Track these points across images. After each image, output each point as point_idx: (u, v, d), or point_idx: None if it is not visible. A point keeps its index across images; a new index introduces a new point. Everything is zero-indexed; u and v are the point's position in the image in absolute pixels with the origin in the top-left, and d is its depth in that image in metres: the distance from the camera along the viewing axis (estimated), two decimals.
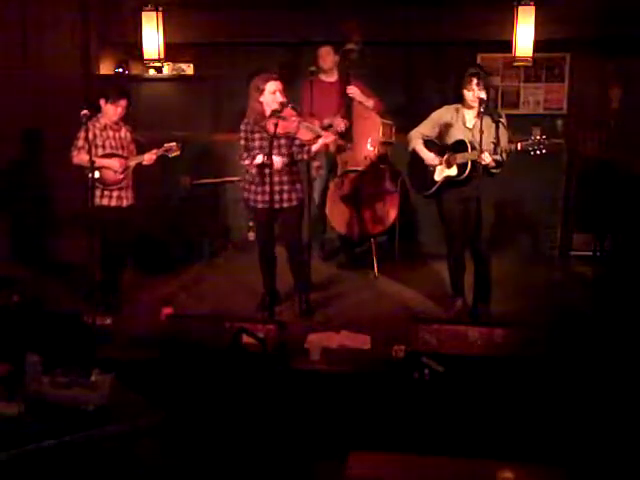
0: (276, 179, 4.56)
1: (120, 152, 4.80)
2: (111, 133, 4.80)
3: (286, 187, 4.63)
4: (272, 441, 3.31)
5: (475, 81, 4.43)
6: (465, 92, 4.48)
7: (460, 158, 4.46)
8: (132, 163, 4.83)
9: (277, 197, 4.58)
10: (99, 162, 4.62)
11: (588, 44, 6.37)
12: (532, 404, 3.42)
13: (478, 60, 6.62)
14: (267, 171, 4.50)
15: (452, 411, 3.40)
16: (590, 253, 5.92)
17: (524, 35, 5.88)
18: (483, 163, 4.33)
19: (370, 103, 5.57)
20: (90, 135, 4.49)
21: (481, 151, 4.29)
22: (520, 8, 5.86)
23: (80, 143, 4.66)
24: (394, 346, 3.89)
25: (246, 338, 3.84)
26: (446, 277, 4.97)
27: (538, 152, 4.23)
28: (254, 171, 4.61)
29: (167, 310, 4.48)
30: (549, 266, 6.08)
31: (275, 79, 4.54)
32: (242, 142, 4.65)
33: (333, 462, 2.86)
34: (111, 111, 4.75)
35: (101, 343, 4.05)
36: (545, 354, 3.83)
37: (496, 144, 4.36)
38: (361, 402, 3.50)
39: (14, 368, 3.12)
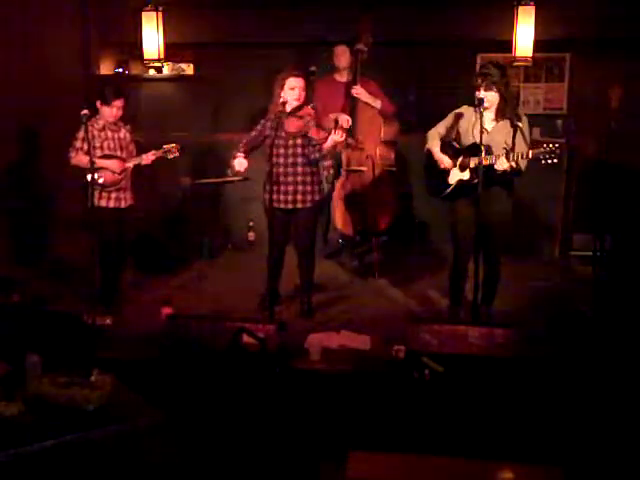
0: (290, 179, 4.56)
1: (118, 153, 4.78)
2: (109, 134, 4.78)
3: (300, 187, 4.59)
4: (272, 441, 3.31)
5: (479, 81, 4.26)
6: (477, 93, 4.27)
7: (473, 162, 4.28)
8: (130, 164, 4.81)
9: (291, 197, 4.58)
10: (97, 163, 4.60)
11: (588, 44, 6.38)
12: (532, 404, 3.42)
13: (478, 60, 6.63)
14: (282, 170, 4.52)
15: (452, 411, 3.40)
16: (590, 253, 5.91)
17: (524, 35, 5.88)
18: (499, 169, 4.16)
19: (378, 104, 5.57)
20: (89, 136, 4.46)
21: (497, 156, 4.14)
22: (520, 8, 5.86)
23: (78, 144, 4.65)
24: (394, 346, 3.89)
25: (246, 338, 3.84)
26: (446, 277, 4.96)
27: (549, 161, 4.04)
28: (269, 169, 4.59)
29: (167, 310, 4.48)
30: (549, 266, 6.08)
31: (296, 76, 4.49)
32: (253, 133, 4.62)
33: (333, 462, 2.87)
34: (107, 112, 4.73)
35: (101, 343, 4.05)
36: (545, 354, 3.83)
37: (509, 150, 4.18)
38: (361, 402, 3.50)
39: (14, 368, 3.12)
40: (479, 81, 4.28)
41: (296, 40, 6.63)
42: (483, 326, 4.07)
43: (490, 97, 4.26)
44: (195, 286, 5.52)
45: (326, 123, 4.92)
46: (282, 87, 4.49)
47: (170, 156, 4.84)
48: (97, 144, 4.70)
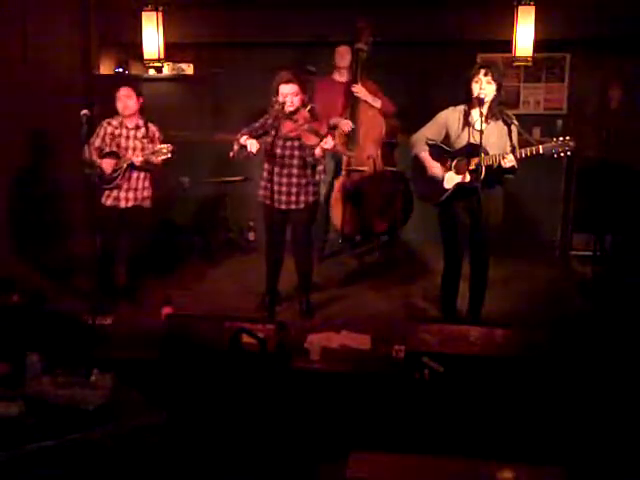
0: (284, 180, 4.57)
1: (122, 152, 4.76)
2: (124, 132, 4.80)
3: (294, 189, 4.60)
4: (272, 441, 3.31)
5: (483, 71, 4.16)
6: (473, 85, 4.18)
7: (474, 163, 4.19)
8: (123, 164, 4.75)
9: (284, 198, 4.59)
10: (98, 162, 4.66)
11: (588, 44, 6.38)
12: (532, 404, 3.42)
13: (478, 60, 6.63)
14: (277, 170, 4.54)
15: (452, 411, 3.40)
16: (590, 253, 5.91)
17: (524, 35, 5.88)
18: (507, 167, 4.09)
19: (378, 103, 5.58)
20: (102, 133, 4.76)
21: (503, 156, 4.08)
22: (520, 8, 5.86)
23: (91, 140, 4.73)
24: (394, 346, 3.89)
25: (246, 338, 3.84)
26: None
27: (562, 154, 3.99)
28: (265, 167, 4.63)
29: (167, 310, 4.48)
30: (549, 266, 6.08)
31: (286, 82, 4.46)
32: (256, 124, 4.60)
33: (333, 462, 2.87)
34: (119, 106, 4.77)
35: (101, 343, 4.05)
36: (545, 354, 3.83)
37: (514, 148, 4.13)
38: (361, 402, 3.50)
39: (14, 368, 3.12)
40: (481, 73, 4.18)
41: (296, 40, 6.63)
42: (483, 326, 4.08)
43: (490, 90, 4.18)
44: (195, 286, 5.53)
45: (324, 127, 4.87)
46: (277, 92, 4.50)
47: (158, 158, 4.69)
48: (107, 141, 4.79)
